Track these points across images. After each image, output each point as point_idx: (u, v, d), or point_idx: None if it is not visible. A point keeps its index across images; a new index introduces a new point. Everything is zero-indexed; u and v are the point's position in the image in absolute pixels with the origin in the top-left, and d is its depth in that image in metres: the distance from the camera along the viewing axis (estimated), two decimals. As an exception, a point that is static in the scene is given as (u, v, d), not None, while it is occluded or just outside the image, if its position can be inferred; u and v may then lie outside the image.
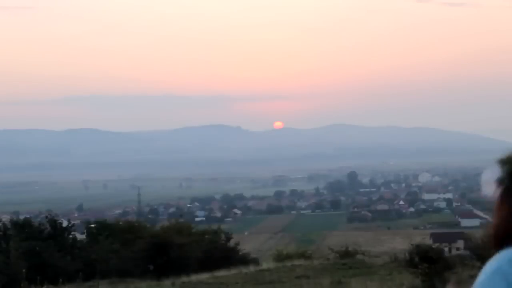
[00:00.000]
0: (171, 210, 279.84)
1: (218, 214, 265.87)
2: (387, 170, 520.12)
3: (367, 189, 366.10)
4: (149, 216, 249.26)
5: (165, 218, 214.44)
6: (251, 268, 32.82)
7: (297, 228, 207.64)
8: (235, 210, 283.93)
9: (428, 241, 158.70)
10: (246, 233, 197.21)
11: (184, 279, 28.08)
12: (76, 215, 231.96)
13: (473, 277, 12.82)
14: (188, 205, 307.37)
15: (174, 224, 52.15)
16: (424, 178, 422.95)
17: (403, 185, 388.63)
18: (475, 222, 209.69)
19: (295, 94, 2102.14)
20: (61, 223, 43.57)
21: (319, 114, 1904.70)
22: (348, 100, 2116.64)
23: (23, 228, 42.11)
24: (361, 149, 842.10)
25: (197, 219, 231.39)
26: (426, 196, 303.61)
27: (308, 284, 21.13)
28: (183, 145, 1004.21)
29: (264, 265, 35.45)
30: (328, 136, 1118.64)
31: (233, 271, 31.18)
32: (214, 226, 57.96)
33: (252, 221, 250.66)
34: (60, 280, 29.24)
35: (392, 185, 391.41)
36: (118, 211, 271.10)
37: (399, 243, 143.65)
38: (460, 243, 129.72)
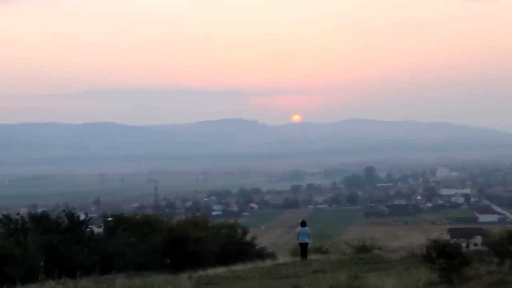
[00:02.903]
0: (188, 204, 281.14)
1: (235, 208, 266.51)
2: (405, 165, 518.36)
3: (384, 184, 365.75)
4: (166, 209, 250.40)
5: (182, 211, 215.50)
6: (268, 262, 32.76)
7: (314, 223, 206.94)
8: (252, 204, 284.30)
9: (446, 237, 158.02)
10: (262, 227, 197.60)
11: (201, 273, 28.09)
12: (93, 208, 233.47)
13: (490, 273, 12.85)
14: (205, 199, 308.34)
15: (191, 218, 52.21)
16: (441, 173, 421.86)
17: (421, 180, 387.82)
18: (493, 217, 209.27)
19: (313, 88, 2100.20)
20: (78, 217, 43.70)
21: (337, 109, 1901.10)
22: (366, 94, 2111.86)
23: (40, 221, 42.22)
24: (378, 143, 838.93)
25: (213, 213, 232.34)
26: (444, 191, 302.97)
27: (324, 278, 21.10)
28: (200, 139, 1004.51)
29: (281, 260, 35.47)
30: (346, 130, 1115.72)
31: (249, 265, 31.09)
32: (231, 220, 57.98)
33: (269, 215, 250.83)
34: (78, 273, 29.36)
35: (409, 180, 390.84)
36: (135, 205, 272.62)
37: (416, 238, 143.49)
38: (478, 239, 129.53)
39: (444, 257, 18.88)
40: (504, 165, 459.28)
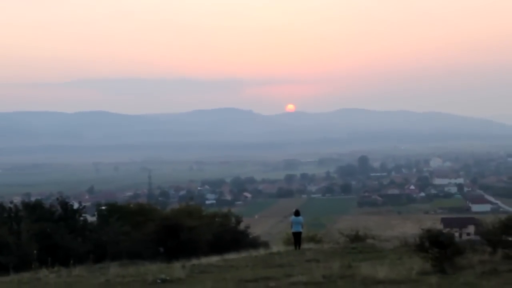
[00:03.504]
0: (182, 193, 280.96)
1: (229, 197, 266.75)
2: (398, 154, 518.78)
3: (378, 174, 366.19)
4: (160, 198, 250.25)
5: (175, 200, 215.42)
6: (261, 252, 32.77)
7: (308, 212, 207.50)
8: (246, 194, 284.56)
9: (439, 226, 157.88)
10: (256, 217, 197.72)
11: (194, 261, 28.05)
12: (87, 197, 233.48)
13: (483, 262, 12.81)
14: (199, 188, 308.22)
15: (185, 207, 52.08)
16: (435, 163, 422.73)
17: (414, 170, 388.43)
18: (486, 207, 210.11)
19: (307, 78, 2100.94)
20: (72, 205, 43.58)
21: (331, 98, 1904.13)
22: (361, 84, 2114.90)
23: (34, 209, 42.13)
24: (372, 133, 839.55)
25: (207, 202, 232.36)
26: (437, 181, 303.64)
27: (318, 267, 21.10)
28: (195, 129, 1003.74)
29: (274, 249, 35.49)
30: (340, 120, 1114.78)
31: (243, 254, 31.05)
32: (225, 209, 57.85)
33: (263, 204, 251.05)
34: (71, 261, 29.35)
35: (403, 169, 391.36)
36: (129, 194, 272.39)
37: (409, 228, 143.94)
38: (471, 228, 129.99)
39: (437, 247, 18.90)
40: (497, 155, 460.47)
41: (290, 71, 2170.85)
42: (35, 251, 32.45)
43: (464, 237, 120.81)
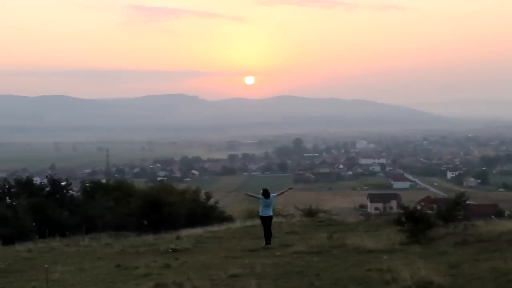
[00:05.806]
0: (136, 170, 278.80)
1: (178, 175, 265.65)
2: (328, 137, 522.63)
3: (311, 154, 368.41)
4: (116, 175, 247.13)
5: (130, 177, 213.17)
6: (238, 224, 32.77)
7: (249, 188, 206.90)
8: (193, 171, 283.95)
9: (366, 201, 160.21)
10: (203, 192, 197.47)
11: (184, 232, 28.29)
12: (49, 173, 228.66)
13: (449, 234, 13.62)
14: (151, 166, 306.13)
15: (159, 184, 52.27)
16: (361, 145, 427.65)
17: (343, 151, 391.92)
18: (406, 184, 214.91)
19: (247, 70, 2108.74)
20: (59, 182, 43.49)
21: (269, 87, 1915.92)
22: (295, 74, 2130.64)
23: (26, 186, 41.94)
24: (305, 118, 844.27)
25: (158, 178, 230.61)
26: (363, 161, 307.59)
27: (303, 239, 21.53)
28: (146, 112, 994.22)
29: (248, 222, 35.53)
30: (277, 106, 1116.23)
31: (223, 227, 31.20)
32: (178, 186, 57.59)
33: (209, 181, 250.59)
34: (67, 232, 29.41)
35: (332, 150, 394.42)
36: (87, 171, 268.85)
37: (339, 202, 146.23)
38: (393, 203, 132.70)
39: (412, 221, 19.64)
40: (415, 138, 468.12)
41: (233, 63, 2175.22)
42: (33, 223, 32.36)
43: (388, 210, 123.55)
